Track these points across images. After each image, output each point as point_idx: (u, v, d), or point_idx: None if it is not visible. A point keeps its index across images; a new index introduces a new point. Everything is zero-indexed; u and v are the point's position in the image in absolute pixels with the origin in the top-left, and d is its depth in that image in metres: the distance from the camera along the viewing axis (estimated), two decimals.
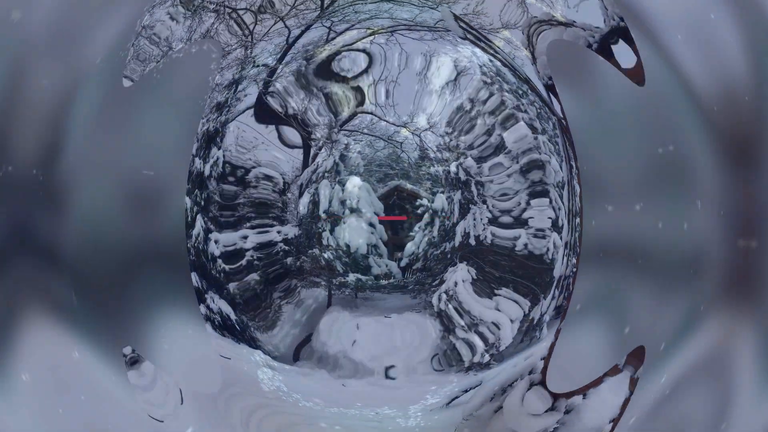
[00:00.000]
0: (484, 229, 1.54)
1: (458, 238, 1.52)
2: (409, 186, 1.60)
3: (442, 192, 1.47)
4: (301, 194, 1.55)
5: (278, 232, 1.58)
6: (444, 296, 1.56)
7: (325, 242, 1.56)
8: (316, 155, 1.57)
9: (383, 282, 1.57)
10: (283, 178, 1.52)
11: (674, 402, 1.25)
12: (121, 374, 1.33)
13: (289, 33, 1.65)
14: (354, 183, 1.55)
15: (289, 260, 1.54)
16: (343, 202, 1.53)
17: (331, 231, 1.57)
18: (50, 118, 1.22)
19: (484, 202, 1.53)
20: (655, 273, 1.37)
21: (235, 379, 1.58)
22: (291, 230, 1.57)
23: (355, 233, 1.42)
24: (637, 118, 1.41)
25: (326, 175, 1.51)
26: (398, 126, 1.54)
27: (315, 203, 1.43)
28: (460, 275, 1.57)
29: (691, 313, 1.29)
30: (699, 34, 1.24)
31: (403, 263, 1.60)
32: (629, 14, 1.37)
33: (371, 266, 1.39)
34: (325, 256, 1.50)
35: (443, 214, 1.45)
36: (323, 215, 1.52)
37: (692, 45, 1.26)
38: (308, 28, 1.66)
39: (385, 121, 1.59)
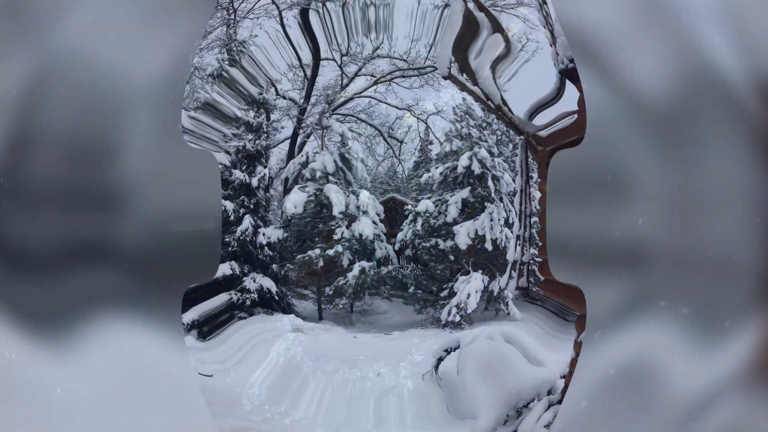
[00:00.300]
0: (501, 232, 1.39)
1: (462, 239, 1.48)
2: (398, 198, 1.79)
3: (429, 197, 1.64)
4: (287, 190, 1.41)
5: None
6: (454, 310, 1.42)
7: (338, 236, 1.75)
8: (303, 143, 1.40)
9: (384, 271, 1.76)
10: (269, 173, 1.38)
11: (718, 407, 1.18)
12: (78, 380, 1.26)
13: (279, 11, 1.48)
14: (365, 195, 1.94)
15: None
16: (358, 207, 1.82)
17: (348, 226, 1.90)
18: (15, 121, 1.16)
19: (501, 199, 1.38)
20: (685, 281, 1.27)
21: (216, 399, 1.46)
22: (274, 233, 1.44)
23: (367, 227, 1.77)
24: (668, 119, 1.29)
25: (330, 178, 1.42)
26: (402, 109, 1.37)
27: (324, 205, 1.62)
28: (474, 286, 1.42)
29: (727, 318, 1.21)
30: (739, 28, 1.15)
31: (396, 246, 2.05)
32: (662, 10, 1.26)
33: (375, 249, 1.75)
34: (330, 252, 1.60)
35: (426, 214, 1.69)
36: (339, 215, 1.78)
37: (732, 41, 1.17)
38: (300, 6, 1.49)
39: (385, 103, 1.41)
